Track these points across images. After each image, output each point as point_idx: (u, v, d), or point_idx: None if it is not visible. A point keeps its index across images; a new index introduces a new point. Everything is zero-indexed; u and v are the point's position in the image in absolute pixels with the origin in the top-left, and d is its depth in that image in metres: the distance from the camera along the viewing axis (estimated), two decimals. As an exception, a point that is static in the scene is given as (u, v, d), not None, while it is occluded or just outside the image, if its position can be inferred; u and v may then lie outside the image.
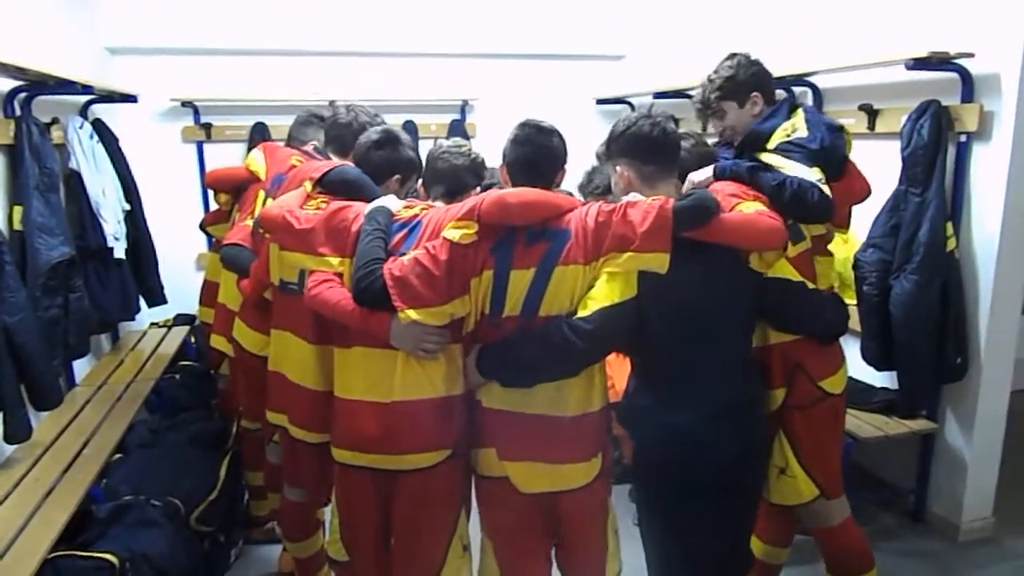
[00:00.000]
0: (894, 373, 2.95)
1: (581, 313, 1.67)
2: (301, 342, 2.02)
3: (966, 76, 2.66)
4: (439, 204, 2.01)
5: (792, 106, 2.16)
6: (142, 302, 3.92)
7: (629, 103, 5.07)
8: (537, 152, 1.87)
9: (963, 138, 2.73)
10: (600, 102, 5.15)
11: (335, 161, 2.31)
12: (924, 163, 2.70)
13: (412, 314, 1.70)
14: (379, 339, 1.79)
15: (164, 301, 4.08)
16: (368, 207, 1.93)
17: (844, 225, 2.24)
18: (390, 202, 1.95)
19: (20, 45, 3.09)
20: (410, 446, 1.82)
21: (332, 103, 2.51)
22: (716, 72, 2.20)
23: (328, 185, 2.08)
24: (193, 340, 4.19)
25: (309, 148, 2.58)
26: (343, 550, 2.00)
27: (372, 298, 1.76)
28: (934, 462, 3.03)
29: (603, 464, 1.86)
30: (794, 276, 1.89)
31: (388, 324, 1.75)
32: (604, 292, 1.67)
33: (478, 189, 2.11)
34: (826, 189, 1.94)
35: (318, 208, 2.00)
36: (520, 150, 1.87)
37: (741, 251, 1.77)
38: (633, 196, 1.79)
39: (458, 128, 4.87)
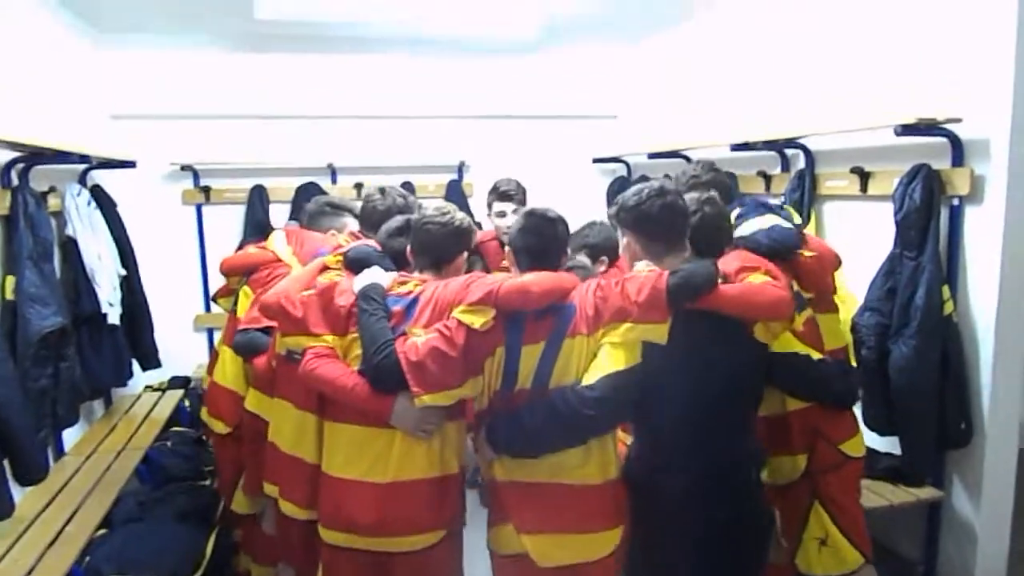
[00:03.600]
0: (897, 439, 2.88)
1: (586, 381, 1.70)
2: (301, 412, 1.99)
3: (955, 141, 2.67)
4: (428, 276, 2.02)
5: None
6: (136, 366, 3.90)
7: (625, 162, 5.12)
8: (545, 241, 1.94)
9: (956, 202, 2.72)
10: (596, 160, 5.20)
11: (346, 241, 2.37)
12: (918, 226, 2.69)
13: (427, 399, 1.74)
14: (379, 420, 1.80)
15: (158, 365, 4.06)
16: (357, 284, 1.94)
17: (831, 291, 2.29)
18: (378, 276, 1.96)
19: (26, 113, 3.15)
20: (408, 528, 1.81)
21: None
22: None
23: (350, 263, 2.14)
24: (187, 404, 4.15)
25: (346, 234, 2.59)
26: None
27: (388, 379, 1.77)
28: (942, 532, 2.92)
29: (622, 536, 1.84)
30: (800, 349, 1.89)
31: (390, 405, 1.77)
32: (609, 360, 1.71)
33: (465, 255, 2.12)
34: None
35: (332, 279, 2.04)
36: (529, 239, 1.95)
37: (746, 321, 1.78)
38: (640, 265, 1.84)
39: (455, 188, 4.92)
